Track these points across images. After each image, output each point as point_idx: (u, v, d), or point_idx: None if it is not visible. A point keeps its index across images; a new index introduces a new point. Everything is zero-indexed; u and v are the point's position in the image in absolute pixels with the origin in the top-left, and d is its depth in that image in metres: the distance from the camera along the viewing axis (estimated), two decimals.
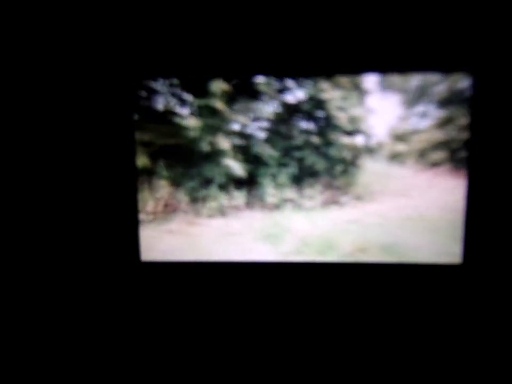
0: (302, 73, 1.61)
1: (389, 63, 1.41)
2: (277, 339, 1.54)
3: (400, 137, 1.58)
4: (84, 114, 1.44)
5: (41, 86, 1.40)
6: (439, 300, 1.50)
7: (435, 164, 1.47)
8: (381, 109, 1.64)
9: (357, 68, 1.47)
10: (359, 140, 1.77)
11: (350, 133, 1.83)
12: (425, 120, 1.49)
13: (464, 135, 1.37)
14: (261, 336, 1.54)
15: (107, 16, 1.34)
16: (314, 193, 2.00)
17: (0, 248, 1.47)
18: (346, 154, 1.86)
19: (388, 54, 1.40)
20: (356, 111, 1.76)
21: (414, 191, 1.56)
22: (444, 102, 1.42)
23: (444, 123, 1.44)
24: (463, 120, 1.37)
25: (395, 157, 1.61)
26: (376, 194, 1.70)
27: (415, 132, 1.53)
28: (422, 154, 1.51)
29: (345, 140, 1.84)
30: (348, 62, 1.47)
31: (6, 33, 1.34)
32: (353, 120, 1.79)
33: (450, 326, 1.50)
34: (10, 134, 1.41)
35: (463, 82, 1.36)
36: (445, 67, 1.36)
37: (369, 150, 1.74)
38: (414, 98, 1.51)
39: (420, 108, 1.50)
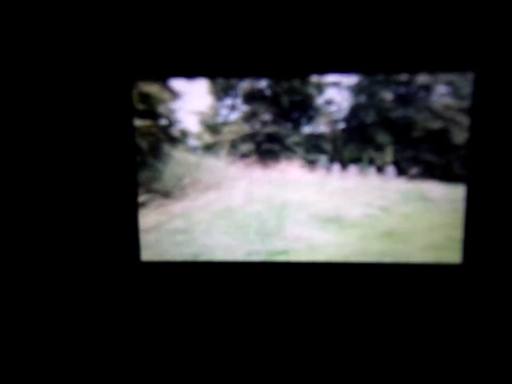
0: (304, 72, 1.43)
1: (391, 63, 1.39)
2: (276, 339, 1.51)
3: (211, 128, 1.45)
4: (82, 112, 1.42)
5: (41, 85, 1.40)
6: (438, 299, 1.47)
7: (244, 155, 1.46)
8: (189, 95, 1.43)
9: (363, 67, 1.40)
10: (158, 124, 1.43)
11: (142, 115, 1.43)
12: (234, 113, 1.47)
13: (268, 129, 1.49)
14: (261, 336, 1.52)
15: (105, 16, 1.34)
16: None
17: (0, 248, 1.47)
18: (140, 142, 1.43)
19: (390, 55, 1.37)
20: (147, 88, 1.42)
21: (225, 183, 1.44)
22: (248, 98, 1.48)
23: (249, 117, 1.49)
24: (266, 115, 1.50)
25: (208, 148, 1.44)
26: (188, 189, 1.40)
27: (225, 123, 1.46)
28: (233, 146, 1.45)
29: (136, 122, 1.42)
30: (349, 61, 1.39)
31: (3, 35, 1.35)
32: (144, 97, 1.43)
33: (450, 326, 1.47)
34: (10, 128, 1.41)
35: (262, 83, 1.50)
36: (448, 67, 1.35)
37: (172, 138, 1.44)
38: (222, 90, 1.46)
39: (228, 101, 1.46)
